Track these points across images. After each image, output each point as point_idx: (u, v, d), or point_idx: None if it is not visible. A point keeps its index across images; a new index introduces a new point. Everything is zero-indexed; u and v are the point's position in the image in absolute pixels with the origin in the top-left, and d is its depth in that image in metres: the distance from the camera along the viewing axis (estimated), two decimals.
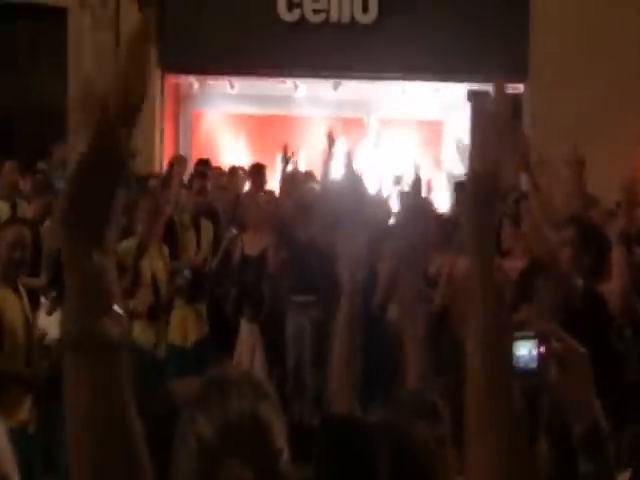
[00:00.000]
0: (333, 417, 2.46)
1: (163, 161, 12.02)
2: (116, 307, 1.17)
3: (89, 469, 1.15)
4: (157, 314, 6.52)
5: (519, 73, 11.57)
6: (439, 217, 7.22)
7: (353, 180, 6.70)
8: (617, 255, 4.24)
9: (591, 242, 4.19)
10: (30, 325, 4.93)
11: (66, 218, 1.16)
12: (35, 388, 4.87)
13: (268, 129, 12.51)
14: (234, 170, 9.38)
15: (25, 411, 4.79)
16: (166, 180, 7.54)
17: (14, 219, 6.05)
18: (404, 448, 2.13)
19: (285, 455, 1.55)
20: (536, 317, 3.58)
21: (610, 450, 1.84)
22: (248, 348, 7.47)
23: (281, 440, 1.55)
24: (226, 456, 1.50)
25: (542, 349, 1.89)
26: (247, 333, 7.56)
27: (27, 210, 8.07)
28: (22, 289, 5.05)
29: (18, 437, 4.46)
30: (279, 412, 1.59)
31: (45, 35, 12.96)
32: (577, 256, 4.18)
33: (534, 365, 1.89)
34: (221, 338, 7.67)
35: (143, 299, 6.33)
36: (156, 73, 11.94)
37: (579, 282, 4.10)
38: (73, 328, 1.15)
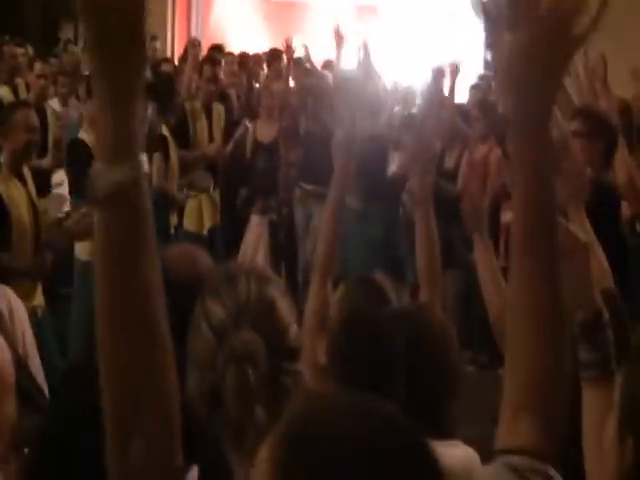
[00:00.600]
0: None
1: (175, 45, 11.89)
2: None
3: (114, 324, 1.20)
4: None
5: None
6: (459, 109, 7.18)
7: (369, 71, 6.66)
8: (620, 147, 4.24)
9: (598, 132, 4.18)
10: (37, 213, 4.91)
11: (94, 39, 1.14)
12: (42, 278, 4.93)
13: (283, 14, 12.30)
14: (245, 56, 9.29)
15: (37, 297, 4.85)
16: (180, 64, 7.47)
17: (18, 102, 5.94)
18: (421, 332, 2.17)
19: (294, 330, 1.61)
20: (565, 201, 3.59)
21: (609, 338, 1.85)
22: (254, 241, 7.54)
23: (288, 317, 1.62)
24: (235, 328, 1.56)
25: None
26: (256, 226, 7.61)
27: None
28: (28, 174, 5.02)
29: (35, 319, 4.56)
30: (285, 293, 1.65)
31: None
32: (586, 147, 4.18)
33: None
34: (231, 227, 7.73)
35: None
36: None
37: (589, 172, 4.11)
38: (103, 181, 1.17)
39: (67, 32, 12.38)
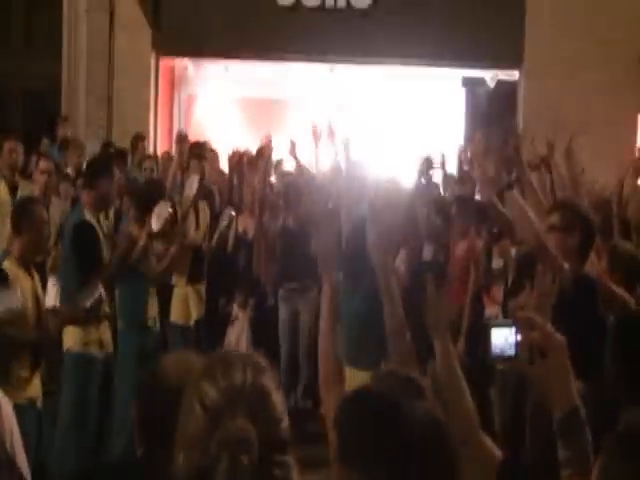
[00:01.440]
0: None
1: (158, 144, 12.04)
2: None
3: None
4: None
5: (514, 60, 11.62)
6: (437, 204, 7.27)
7: (352, 167, 6.75)
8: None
9: (575, 226, 4.25)
10: (39, 302, 5.00)
11: None
12: (44, 352, 4.94)
13: (264, 112, 12.51)
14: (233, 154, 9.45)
15: (35, 387, 4.85)
16: (165, 161, 7.55)
17: (30, 199, 6.02)
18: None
19: (285, 423, 1.62)
20: (535, 302, 3.63)
21: (587, 435, 1.86)
22: (236, 336, 7.53)
23: (281, 409, 1.62)
24: (230, 414, 1.56)
25: (519, 337, 1.92)
26: (237, 320, 7.61)
27: (30, 188, 8.04)
28: (32, 268, 5.11)
29: (29, 412, 4.54)
30: (278, 386, 1.66)
31: (40, 17, 12.96)
32: (562, 240, 4.24)
33: (511, 352, 1.92)
34: (214, 319, 7.73)
35: None
36: (151, 55, 11.95)
37: (566, 266, 4.16)
38: None
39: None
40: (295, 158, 8.67)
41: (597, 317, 4.04)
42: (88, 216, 5.77)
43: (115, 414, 5.72)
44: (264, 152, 8.43)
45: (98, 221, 5.86)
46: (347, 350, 5.16)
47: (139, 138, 10.21)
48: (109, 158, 6.41)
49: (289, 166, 8.98)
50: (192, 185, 7.15)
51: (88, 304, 5.16)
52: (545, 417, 1.98)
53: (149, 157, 8.79)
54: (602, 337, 3.70)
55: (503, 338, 1.91)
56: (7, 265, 4.79)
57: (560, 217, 4.30)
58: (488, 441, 2.67)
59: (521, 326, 1.90)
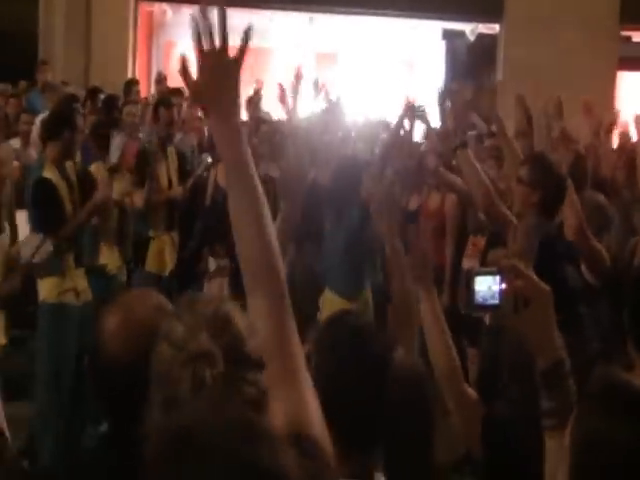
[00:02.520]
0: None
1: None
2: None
3: None
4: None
5: (495, 13, 11.59)
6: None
7: (332, 110, 6.73)
8: (569, 195, 4.33)
9: (540, 181, 4.26)
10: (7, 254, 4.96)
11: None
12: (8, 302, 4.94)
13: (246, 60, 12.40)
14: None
15: (1, 336, 4.85)
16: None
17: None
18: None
19: (253, 345, 1.59)
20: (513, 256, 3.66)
21: (571, 387, 1.86)
22: (217, 286, 7.48)
23: (246, 330, 1.60)
24: (193, 340, 1.55)
25: (503, 285, 1.91)
26: (215, 270, 7.57)
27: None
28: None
29: None
30: (244, 315, 1.65)
31: None
32: (525, 194, 4.27)
33: (495, 301, 1.89)
34: (187, 272, 7.69)
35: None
36: (130, 1, 11.81)
37: (532, 220, 4.19)
38: None
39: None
40: (284, 104, 8.58)
41: (561, 273, 4.07)
42: (49, 172, 5.69)
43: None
44: (253, 98, 8.35)
45: (64, 169, 5.77)
46: (332, 279, 5.94)
47: (132, 82, 10.08)
48: (70, 108, 6.29)
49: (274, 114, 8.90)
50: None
51: (33, 258, 5.08)
52: (526, 368, 2.00)
53: (132, 102, 8.70)
54: (568, 292, 3.74)
55: (486, 286, 1.88)
56: None
57: (528, 171, 4.31)
58: (472, 392, 2.72)
59: (506, 274, 1.86)
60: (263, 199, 1.80)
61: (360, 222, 5.94)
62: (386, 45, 12.61)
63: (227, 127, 1.81)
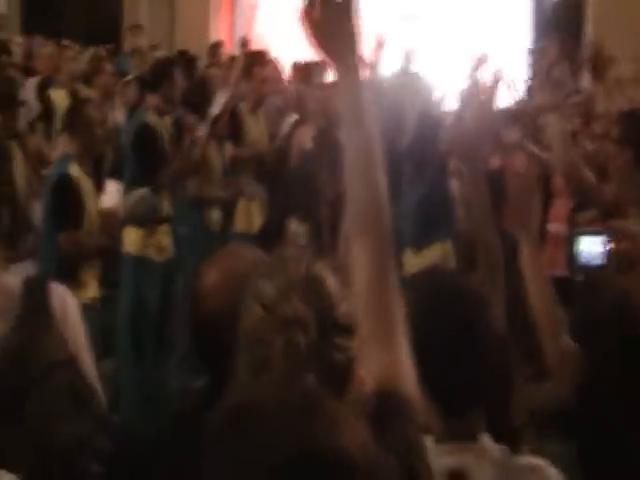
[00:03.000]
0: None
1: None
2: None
3: None
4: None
5: None
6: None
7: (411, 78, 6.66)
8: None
9: (630, 140, 4.17)
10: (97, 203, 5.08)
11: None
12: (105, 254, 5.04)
13: None
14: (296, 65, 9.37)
15: (94, 289, 4.96)
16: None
17: (82, 100, 6.08)
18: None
19: (345, 307, 1.58)
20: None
21: None
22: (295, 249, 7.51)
23: (338, 294, 1.59)
24: (284, 302, 1.54)
25: (609, 246, 1.87)
26: (295, 234, 7.58)
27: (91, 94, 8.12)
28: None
29: (89, 313, 4.64)
30: (334, 274, 1.63)
31: None
32: (615, 152, 4.18)
33: (599, 261, 1.87)
34: (274, 230, 7.72)
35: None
36: None
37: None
38: None
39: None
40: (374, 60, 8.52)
41: None
42: (151, 119, 5.79)
43: (175, 321, 5.80)
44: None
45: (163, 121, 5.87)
46: (409, 236, 5.83)
47: (217, 45, 10.11)
48: (171, 62, 6.39)
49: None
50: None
51: (141, 209, 5.17)
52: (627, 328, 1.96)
53: (215, 64, 8.75)
54: None
55: (591, 247, 1.86)
56: (73, 170, 4.85)
57: (619, 129, 4.23)
58: (570, 343, 2.65)
59: (612, 235, 1.84)
60: (378, 148, 1.79)
61: (439, 176, 5.90)
62: (470, 5, 12.39)
63: (346, 70, 1.80)
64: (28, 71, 9.20)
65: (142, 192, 5.55)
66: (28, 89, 8.55)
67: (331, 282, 1.60)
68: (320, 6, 1.79)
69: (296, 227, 7.60)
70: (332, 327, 1.54)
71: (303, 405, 1.17)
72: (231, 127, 7.07)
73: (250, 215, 7.25)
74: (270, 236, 7.68)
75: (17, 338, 2.22)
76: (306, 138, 7.79)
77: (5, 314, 2.26)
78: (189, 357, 4.93)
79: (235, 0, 12.87)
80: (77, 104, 5.42)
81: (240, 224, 7.17)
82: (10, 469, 1.90)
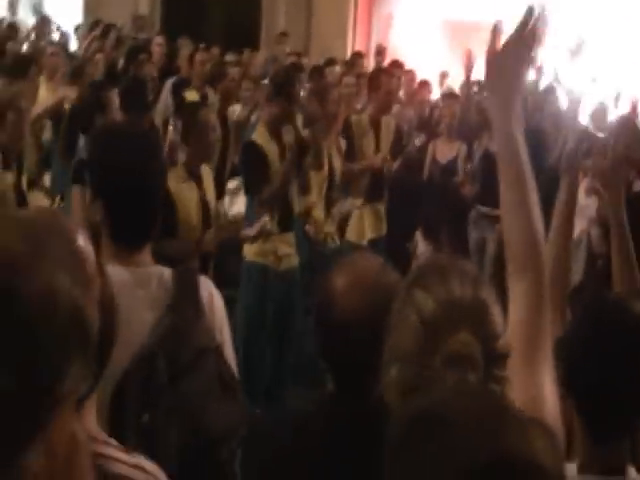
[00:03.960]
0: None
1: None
2: None
3: None
4: None
5: None
6: None
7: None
8: None
9: None
10: (208, 214, 4.95)
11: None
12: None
13: (463, 35, 12.18)
14: (424, 82, 9.29)
15: None
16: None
17: (195, 105, 6.11)
18: None
19: (504, 338, 1.56)
20: None
21: None
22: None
23: (500, 324, 1.56)
24: (451, 328, 1.50)
25: None
26: (423, 247, 7.50)
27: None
28: (208, 174, 5.10)
29: None
30: (496, 301, 1.59)
31: None
32: None
33: None
34: (398, 241, 7.63)
35: None
36: None
37: None
38: None
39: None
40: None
41: None
42: (259, 135, 5.74)
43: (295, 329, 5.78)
44: (464, 71, 8.21)
45: (279, 133, 5.78)
46: None
47: (358, 55, 10.09)
48: (291, 75, 6.34)
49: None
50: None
51: (252, 233, 5.12)
52: None
53: (349, 73, 8.72)
54: None
55: None
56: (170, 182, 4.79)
57: None
58: None
59: None
60: (533, 184, 1.80)
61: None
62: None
63: (508, 102, 1.83)
64: (168, 71, 9.39)
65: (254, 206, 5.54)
66: (167, 89, 8.73)
67: (495, 310, 1.57)
68: (503, 46, 1.86)
69: (421, 240, 7.52)
70: (494, 359, 1.52)
71: (494, 411, 1.19)
72: (345, 139, 7.03)
73: (362, 224, 7.20)
74: (392, 248, 7.61)
75: (170, 325, 2.32)
76: (440, 152, 7.71)
77: (158, 302, 2.37)
78: (308, 364, 4.93)
79: (373, 9, 12.85)
80: (191, 109, 5.42)
81: (351, 232, 7.13)
82: (157, 453, 1.89)
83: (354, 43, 12.12)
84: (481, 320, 1.52)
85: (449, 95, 8.57)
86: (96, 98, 5.79)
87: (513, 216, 1.77)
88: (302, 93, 6.59)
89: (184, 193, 4.77)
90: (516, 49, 1.83)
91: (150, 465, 1.48)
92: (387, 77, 7.33)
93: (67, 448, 0.94)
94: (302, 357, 5.64)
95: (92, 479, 1.04)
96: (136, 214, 2.47)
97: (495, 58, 1.85)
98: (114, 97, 5.82)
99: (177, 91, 8.56)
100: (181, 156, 5.00)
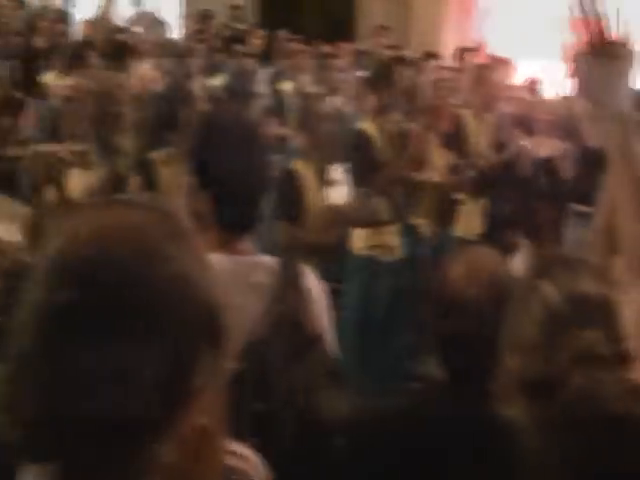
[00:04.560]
0: None
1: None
2: None
3: None
4: None
5: None
6: None
7: None
8: None
9: None
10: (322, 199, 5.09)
11: None
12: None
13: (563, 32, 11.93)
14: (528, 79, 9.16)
15: None
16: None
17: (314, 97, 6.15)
18: None
19: (631, 343, 1.49)
20: None
21: None
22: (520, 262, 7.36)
23: (628, 325, 1.50)
24: (579, 324, 1.46)
25: None
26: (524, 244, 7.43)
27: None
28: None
29: None
30: (619, 300, 1.53)
31: None
32: None
33: None
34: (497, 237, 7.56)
35: None
36: None
37: None
38: None
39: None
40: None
41: None
42: (365, 123, 5.79)
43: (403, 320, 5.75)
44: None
45: (382, 123, 5.79)
46: None
47: (465, 50, 9.97)
48: (390, 67, 6.36)
49: None
50: None
51: (363, 212, 5.15)
52: None
53: (447, 68, 8.65)
54: None
55: None
56: (297, 164, 4.90)
57: None
58: None
59: None
60: None
61: None
62: None
63: (612, 114, 1.78)
64: (264, 62, 9.46)
65: (362, 195, 5.54)
66: (262, 80, 8.78)
67: (624, 310, 1.51)
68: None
69: (517, 236, 7.43)
70: (623, 360, 1.47)
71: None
72: (452, 132, 6.98)
73: (469, 219, 7.14)
74: (495, 243, 7.53)
75: (279, 314, 2.34)
76: (539, 149, 7.60)
77: (262, 288, 2.39)
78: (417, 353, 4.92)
79: (471, 3, 12.70)
80: (308, 100, 5.50)
81: (460, 228, 7.08)
82: (271, 442, 1.94)
83: (452, 38, 12.00)
84: (611, 319, 1.48)
85: (548, 92, 8.47)
86: (179, 90, 5.88)
87: (629, 218, 1.72)
88: (403, 85, 6.55)
89: (309, 179, 4.92)
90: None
91: (251, 454, 1.48)
92: (490, 72, 7.31)
93: (198, 443, 0.93)
94: (407, 349, 5.62)
95: (222, 475, 1.04)
96: (241, 203, 2.48)
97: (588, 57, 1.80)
98: (199, 88, 5.93)
99: (274, 83, 8.63)
100: (295, 144, 5.11)
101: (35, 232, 3.92)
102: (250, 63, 8.87)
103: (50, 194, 4.67)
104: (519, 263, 7.46)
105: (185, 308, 0.94)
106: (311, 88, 8.32)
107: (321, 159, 5.10)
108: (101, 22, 10.61)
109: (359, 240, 5.67)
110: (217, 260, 1.54)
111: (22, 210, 4.65)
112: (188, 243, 0.99)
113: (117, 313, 0.88)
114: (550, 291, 1.51)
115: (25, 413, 0.86)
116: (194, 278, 0.96)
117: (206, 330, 0.98)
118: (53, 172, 4.83)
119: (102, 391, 0.86)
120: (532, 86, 9.08)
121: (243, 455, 1.45)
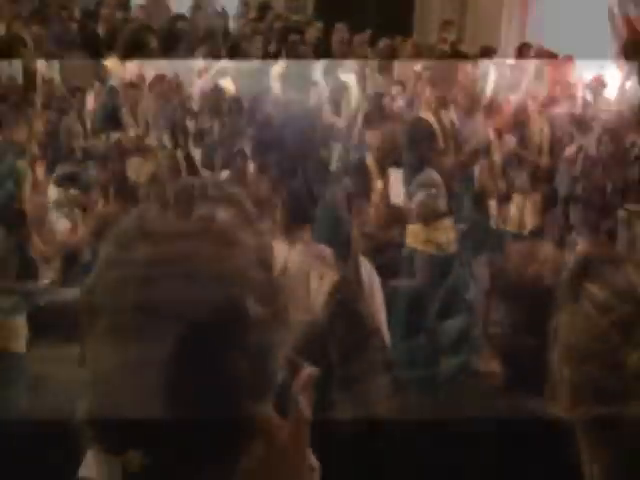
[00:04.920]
0: None
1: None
2: None
3: None
4: None
5: None
6: None
7: None
8: None
9: None
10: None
11: None
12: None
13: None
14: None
15: None
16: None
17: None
18: None
19: None
20: None
21: None
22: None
23: None
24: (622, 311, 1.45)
25: None
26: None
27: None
28: None
29: None
30: None
31: None
32: None
33: None
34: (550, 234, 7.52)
35: None
36: None
37: None
38: None
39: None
40: None
41: None
42: (425, 113, 5.84)
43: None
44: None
45: (439, 116, 5.84)
46: None
47: (526, 46, 9.83)
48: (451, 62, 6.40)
49: None
50: None
51: (424, 210, 5.16)
52: None
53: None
54: None
55: None
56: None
57: None
58: None
59: None
60: None
61: None
62: None
63: None
64: (321, 53, 9.46)
65: (424, 193, 5.57)
66: (318, 70, 8.79)
67: None
68: None
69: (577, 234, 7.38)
70: None
71: None
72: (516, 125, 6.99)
73: (521, 214, 7.14)
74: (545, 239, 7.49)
75: (339, 304, 2.36)
76: (596, 148, 7.53)
77: (324, 278, 2.44)
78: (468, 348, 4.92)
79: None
80: (375, 99, 5.60)
81: (513, 224, 7.07)
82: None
83: (510, 31, 11.91)
84: None
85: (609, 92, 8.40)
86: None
87: None
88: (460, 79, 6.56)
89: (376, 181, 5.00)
90: None
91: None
92: (551, 71, 7.31)
93: (285, 440, 0.92)
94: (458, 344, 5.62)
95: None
96: (306, 195, 2.55)
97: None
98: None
99: (330, 74, 8.62)
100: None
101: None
102: (308, 53, 8.89)
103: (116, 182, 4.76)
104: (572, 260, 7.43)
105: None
106: (376, 87, 8.33)
107: (385, 157, 5.17)
108: (156, 9, 10.73)
109: (411, 234, 5.69)
110: (281, 248, 1.57)
111: None
112: (255, 230, 0.97)
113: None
114: (594, 289, 1.50)
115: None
116: (258, 265, 0.95)
117: (277, 319, 0.96)
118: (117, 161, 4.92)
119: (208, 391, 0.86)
120: (596, 85, 8.98)
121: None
